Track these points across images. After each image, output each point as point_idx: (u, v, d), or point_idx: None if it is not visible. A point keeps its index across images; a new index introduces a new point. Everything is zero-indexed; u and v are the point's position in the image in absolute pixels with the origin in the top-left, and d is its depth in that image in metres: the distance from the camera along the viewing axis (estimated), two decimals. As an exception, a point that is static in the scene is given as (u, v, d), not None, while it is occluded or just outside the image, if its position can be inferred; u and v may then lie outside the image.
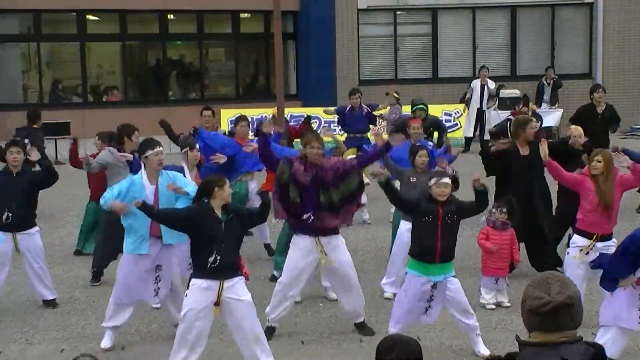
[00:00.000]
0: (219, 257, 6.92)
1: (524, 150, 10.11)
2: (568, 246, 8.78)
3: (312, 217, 7.99)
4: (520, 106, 15.93)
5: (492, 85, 21.11)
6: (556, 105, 21.88)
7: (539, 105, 21.59)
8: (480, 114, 21.09)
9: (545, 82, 22.34)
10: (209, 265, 6.92)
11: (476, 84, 21.33)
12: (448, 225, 7.53)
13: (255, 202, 11.32)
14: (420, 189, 8.31)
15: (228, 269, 7.00)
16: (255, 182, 11.21)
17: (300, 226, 8.10)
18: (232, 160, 10.54)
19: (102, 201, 8.00)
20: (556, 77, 22.37)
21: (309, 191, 7.98)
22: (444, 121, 20.18)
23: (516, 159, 10.07)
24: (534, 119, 10.74)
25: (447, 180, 7.57)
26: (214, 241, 6.93)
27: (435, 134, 14.56)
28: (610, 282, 6.94)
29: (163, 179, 7.93)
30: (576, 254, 8.24)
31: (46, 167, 9.24)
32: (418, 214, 7.66)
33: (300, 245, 8.14)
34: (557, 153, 9.74)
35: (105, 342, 8.07)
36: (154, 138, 8.24)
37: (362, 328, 8.36)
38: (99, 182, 10.47)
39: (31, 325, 8.82)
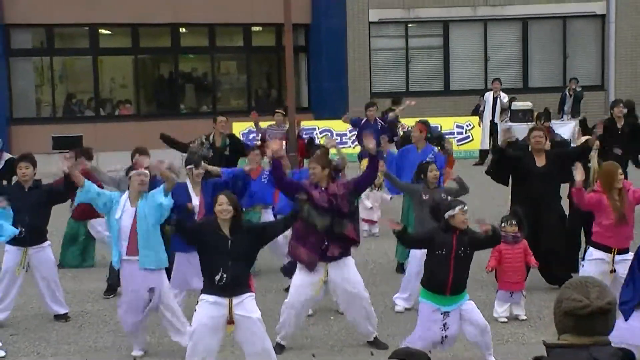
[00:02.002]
0: (225, 275, 6.86)
1: (540, 161, 10.05)
2: (583, 259, 8.76)
3: (327, 244, 7.96)
4: (542, 121, 15.83)
5: (504, 98, 21.05)
6: (578, 117, 21.72)
7: (561, 117, 21.57)
8: (493, 127, 21.02)
9: (567, 94, 22.32)
10: (216, 282, 6.90)
11: (488, 96, 21.30)
12: (461, 258, 7.43)
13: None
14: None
15: (236, 286, 6.94)
16: (269, 213, 11.11)
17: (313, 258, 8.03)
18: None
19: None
20: (579, 89, 22.29)
21: (330, 217, 7.91)
22: (455, 133, 20.21)
23: (531, 169, 10.01)
24: (540, 129, 10.65)
25: (464, 207, 7.46)
26: (220, 259, 6.87)
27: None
28: (630, 309, 6.86)
29: (142, 201, 7.94)
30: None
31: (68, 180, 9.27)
32: (432, 247, 7.57)
33: (307, 269, 8.09)
34: (572, 161, 9.74)
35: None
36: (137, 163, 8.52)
37: (375, 344, 8.33)
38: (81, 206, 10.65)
39: (43, 339, 8.83)
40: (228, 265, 6.86)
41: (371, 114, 15.18)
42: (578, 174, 8.39)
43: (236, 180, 9.55)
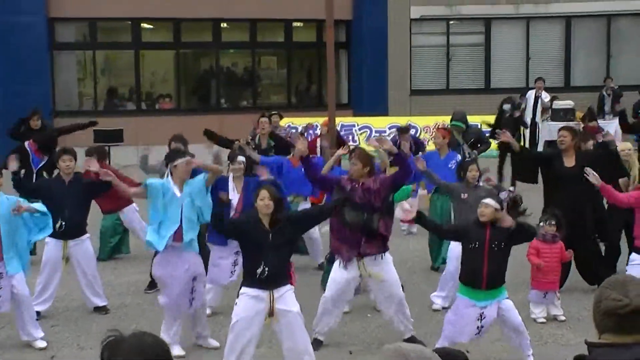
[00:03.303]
0: (267, 269, 6.91)
1: (569, 162, 9.93)
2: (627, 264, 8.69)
3: (363, 240, 7.95)
4: (587, 121, 15.67)
5: (546, 97, 20.85)
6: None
7: (602, 117, 21.27)
8: (533, 126, 20.84)
9: (605, 93, 22.02)
10: (257, 275, 6.94)
11: (530, 95, 21.12)
12: (495, 252, 7.38)
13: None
14: (472, 205, 8.21)
15: (277, 278, 7.00)
16: (307, 204, 11.19)
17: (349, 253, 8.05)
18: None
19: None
20: (616, 87, 21.96)
21: (361, 212, 7.93)
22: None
23: (560, 170, 9.90)
24: (566, 128, 10.51)
25: (489, 201, 7.45)
26: (261, 252, 6.92)
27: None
28: None
29: (187, 187, 8.01)
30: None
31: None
32: (465, 239, 7.58)
33: (344, 265, 8.10)
34: (601, 162, 9.67)
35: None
36: (181, 148, 8.52)
37: (412, 342, 8.30)
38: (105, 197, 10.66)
39: (83, 330, 8.93)
40: (269, 258, 6.91)
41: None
42: (592, 179, 8.29)
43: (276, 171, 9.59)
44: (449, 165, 10.80)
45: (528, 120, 20.86)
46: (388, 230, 8.16)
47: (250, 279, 7.03)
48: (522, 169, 10.45)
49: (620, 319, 3.36)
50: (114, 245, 11.90)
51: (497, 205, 7.40)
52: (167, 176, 8.06)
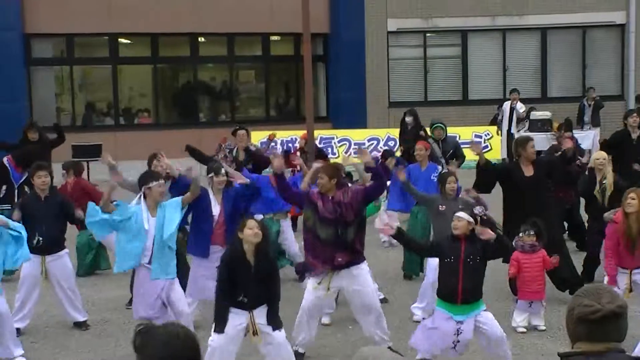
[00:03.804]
0: (246, 299, 7.02)
1: (528, 171, 9.99)
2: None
3: (335, 253, 7.94)
4: (563, 131, 15.76)
5: (521, 108, 21.00)
6: (599, 127, 21.59)
7: (581, 127, 21.43)
8: (510, 137, 20.98)
9: (586, 104, 22.18)
10: (237, 302, 7.02)
11: (506, 106, 21.28)
12: (470, 267, 7.35)
13: (288, 235, 11.29)
14: (450, 217, 8.24)
15: (257, 302, 7.09)
16: (288, 221, 11.20)
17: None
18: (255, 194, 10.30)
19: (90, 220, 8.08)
20: (598, 97, 22.15)
21: (334, 227, 7.95)
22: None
23: (520, 180, 9.96)
24: (533, 138, 10.59)
25: (462, 214, 7.44)
26: (242, 283, 6.98)
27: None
28: None
29: (160, 211, 8.01)
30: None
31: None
32: (441, 254, 7.57)
33: (317, 277, 8.13)
34: (557, 171, 9.77)
35: None
36: (155, 171, 8.60)
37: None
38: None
39: (63, 347, 8.88)
40: (249, 289, 7.00)
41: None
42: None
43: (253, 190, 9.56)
44: (431, 178, 10.84)
45: (504, 131, 21.05)
46: (362, 244, 8.18)
47: (230, 301, 7.06)
48: (482, 181, 10.46)
49: (592, 326, 3.40)
50: (91, 261, 11.82)
51: (470, 219, 7.39)
52: (140, 199, 8.04)
